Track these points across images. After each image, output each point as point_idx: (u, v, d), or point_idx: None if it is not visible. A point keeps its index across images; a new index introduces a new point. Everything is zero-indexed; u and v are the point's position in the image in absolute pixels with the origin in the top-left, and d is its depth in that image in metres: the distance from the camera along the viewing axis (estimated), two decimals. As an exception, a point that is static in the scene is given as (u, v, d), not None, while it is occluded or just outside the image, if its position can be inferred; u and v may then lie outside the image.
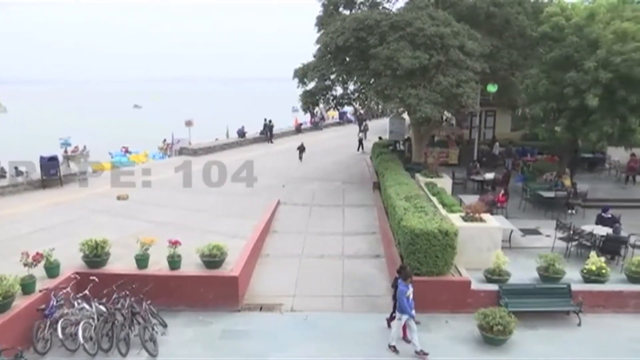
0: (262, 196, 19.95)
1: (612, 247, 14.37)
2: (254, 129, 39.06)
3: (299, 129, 42.93)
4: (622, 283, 12.42)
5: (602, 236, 14.63)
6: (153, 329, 10.20)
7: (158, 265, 12.11)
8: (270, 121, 37.23)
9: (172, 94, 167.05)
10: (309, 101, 21.68)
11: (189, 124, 34.64)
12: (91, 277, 10.87)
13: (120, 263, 12.32)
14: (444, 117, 28.79)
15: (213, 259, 12.00)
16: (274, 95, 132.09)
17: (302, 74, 21.48)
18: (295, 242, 15.71)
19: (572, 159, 24.06)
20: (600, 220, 16.28)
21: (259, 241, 14.68)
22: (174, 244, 11.98)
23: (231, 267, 12.15)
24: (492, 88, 22.42)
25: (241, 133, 36.56)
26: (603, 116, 18.85)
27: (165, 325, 10.81)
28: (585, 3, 24.45)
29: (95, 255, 11.83)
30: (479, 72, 19.40)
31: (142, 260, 11.98)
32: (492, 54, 21.13)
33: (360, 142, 32.98)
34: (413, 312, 9.88)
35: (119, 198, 19.17)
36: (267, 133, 37.24)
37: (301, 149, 28.52)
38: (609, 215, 16.31)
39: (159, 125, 52.14)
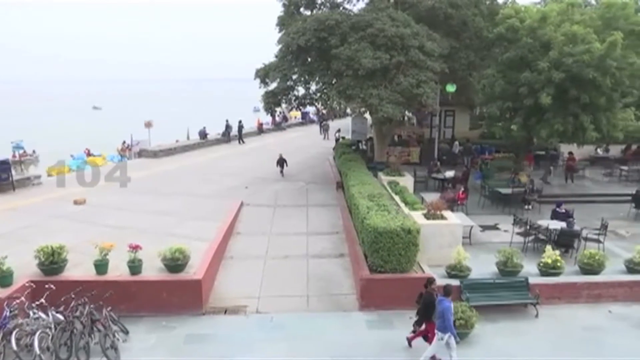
0: (225, 198, 19.73)
1: (566, 241, 14.97)
2: (215, 130, 38.62)
3: (261, 130, 42.72)
4: (575, 275, 12.94)
5: (556, 230, 15.22)
6: (114, 336, 9.92)
7: (118, 271, 11.80)
8: (240, 121, 37.32)
9: (132, 95, 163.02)
10: (271, 101, 21.61)
11: (148, 125, 33.87)
12: (47, 285, 10.45)
13: (78, 270, 11.94)
14: (405, 117, 29.21)
15: (175, 263, 11.78)
16: (235, 95, 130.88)
17: (263, 75, 21.40)
18: (259, 243, 15.61)
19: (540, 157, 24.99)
20: (555, 215, 16.91)
21: (222, 243, 14.51)
22: (135, 248, 11.69)
23: (194, 270, 11.96)
24: (450, 88, 22.93)
25: (203, 134, 36.05)
26: (556, 115, 19.63)
27: (127, 332, 10.54)
28: (537, 6, 25.41)
29: (52, 262, 11.41)
30: (438, 72, 19.79)
31: (101, 266, 11.64)
32: (450, 54, 21.61)
33: (337, 140, 33.13)
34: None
35: (76, 202, 18.55)
36: (229, 134, 36.95)
37: (281, 162, 24.32)
38: (563, 210, 16.96)
39: (118, 127, 50.82)
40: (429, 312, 9.79)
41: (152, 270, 11.89)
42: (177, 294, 11.50)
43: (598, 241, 15.19)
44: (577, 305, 12.21)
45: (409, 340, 10.30)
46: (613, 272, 13.04)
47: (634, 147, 29.01)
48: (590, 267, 12.90)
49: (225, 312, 11.72)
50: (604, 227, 15.65)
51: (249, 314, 11.61)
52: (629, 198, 20.51)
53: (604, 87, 19.02)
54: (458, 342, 9.37)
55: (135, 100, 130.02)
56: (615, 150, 28.98)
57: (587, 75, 18.50)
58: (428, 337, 9.90)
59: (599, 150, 29.11)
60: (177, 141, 35.31)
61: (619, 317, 11.75)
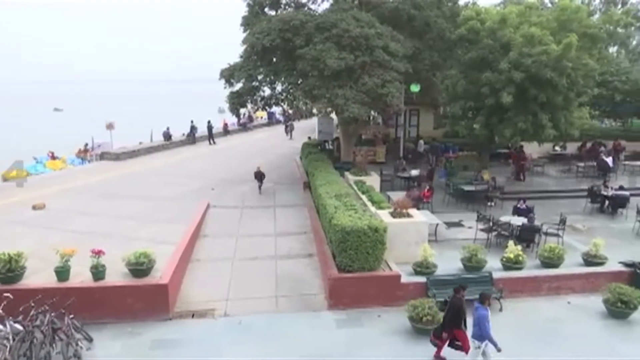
0: (190, 200, 19.44)
1: (527, 236, 15.44)
2: (180, 132, 38.01)
3: (227, 131, 42.30)
4: (536, 269, 13.38)
5: (518, 226, 15.69)
6: (77, 345, 9.64)
7: (81, 277, 11.46)
8: (209, 122, 37.09)
9: (93, 96, 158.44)
10: (237, 102, 21.44)
11: (110, 127, 32.96)
12: (5, 294, 10.03)
13: (38, 277, 11.52)
14: (371, 117, 29.48)
15: (140, 267, 11.54)
16: (199, 96, 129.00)
17: (228, 75, 21.20)
18: (226, 245, 15.46)
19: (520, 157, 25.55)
20: (517, 211, 17.42)
21: (188, 246, 14.29)
22: (97, 253, 11.38)
23: (160, 274, 11.74)
24: (415, 88, 23.28)
25: (167, 136, 35.40)
26: (517, 113, 20.24)
27: (90, 340, 10.25)
28: (497, 8, 26.10)
29: (9, 270, 10.98)
30: (402, 72, 20.05)
31: (62, 273, 11.28)
32: (414, 55, 21.93)
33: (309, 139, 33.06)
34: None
35: (34, 207, 17.91)
36: (194, 135, 36.48)
37: (259, 176, 21.23)
38: (524, 206, 17.48)
39: (79, 129, 49.26)
40: (458, 318, 9.57)
41: (117, 276, 11.61)
42: (142, 299, 11.27)
43: (557, 235, 15.73)
44: (539, 297, 12.61)
45: (439, 347, 9.89)
46: (571, 265, 13.56)
47: (588, 144, 30.13)
48: (550, 261, 13.35)
49: (193, 316, 11.56)
50: (563, 221, 16.22)
51: (217, 317, 11.48)
52: (585, 193, 21.33)
53: (560, 87, 19.73)
54: (500, 351, 9.07)
55: (97, 101, 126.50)
56: (572, 148, 30.05)
57: (545, 75, 19.16)
58: (457, 345, 9.69)
59: (556, 147, 30.11)
60: (140, 143, 34.58)
61: (577, 307, 12.20)
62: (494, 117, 21.20)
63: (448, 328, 9.66)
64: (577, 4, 23.34)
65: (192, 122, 36.85)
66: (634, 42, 51.22)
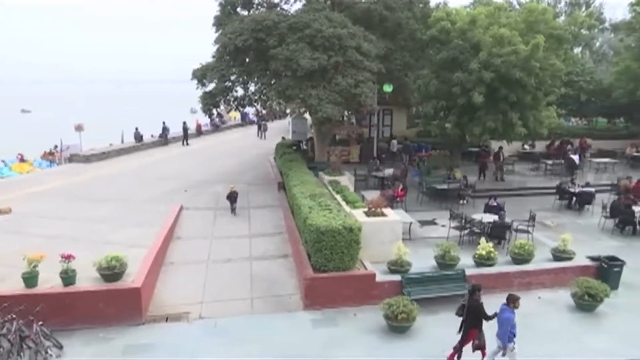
0: (163, 202, 19.17)
1: (498, 233, 15.74)
2: (152, 133, 37.43)
3: (199, 131, 41.88)
4: (507, 265, 13.63)
5: (489, 223, 15.99)
6: (47, 352, 9.39)
7: (50, 283, 11.17)
8: (184, 123, 36.77)
9: (61, 97, 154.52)
10: (209, 102, 21.23)
11: (79, 128, 32.22)
12: (-31, 302, 9.76)
13: (4, 284, 11.19)
14: (345, 117, 29.62)
15: (112, 271, 11.31)
16: (170, 97, 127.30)
17: (201, 75, 20.98)
18: (200, 248, 15.29)
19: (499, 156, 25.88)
20: (488, 209, 17.75)
21: (161, 249, 14.09)
22: (67, 258, 11.10)
23: (132, 278, 11.54)
24: (387, 88, 23.48)
25: (138, 137, 34.81)
26: (487, 112, 20.64)
27: (60, 347, 10.00)
28: (467, 9, 26.56)
29: (-27, 277, 10.64)
30: (375, 72, 20.19)
31: (30, 279, 10.96)
32: (386, 55, 22.11)
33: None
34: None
35: (0, 212, 17.39)
36: (166, 136, 36.01)
37: (232, 197, 18.48)
38: (495, 204, 17.83)
39: (46, 131, 47.99)
40: (477, 319, 9.45)
41: (87, 281, 11.35)
42: (114, 304, 11.05)
43: (527, 232, 16.08)
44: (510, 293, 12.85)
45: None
46: (541, 261, 13.86)
47: (556, 142, 30.92)
48: (521, 257, 13.63)
49: (167, 319, 11.40)
50: (532, 218, 16.59)
51: (192, 320, 11.35)
52: (554, 190, 21.88)
53: (529, 87, 20.21)
54: (504, 355, 9.12)
55: (66, 103, 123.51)
56: (541, 146, 30.78)
57: (514, 75, 19.59)
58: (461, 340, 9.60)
59: (526, 146, 30.80)
60: (110, 144, 33.89)
61: (547, 302, 12.50)
62: (465, 117, 21.56)
63: (468, 327, 9.53)
64: (543, 6, 23.98)
65: (164, 123, 36.38)
66: (598, 44, 52.85)
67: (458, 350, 9.61)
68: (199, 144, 36.79)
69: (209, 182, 23.19)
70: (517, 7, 41.69)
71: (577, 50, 46.92)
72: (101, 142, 34.30)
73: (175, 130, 38.62)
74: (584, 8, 50.69)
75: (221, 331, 10.89)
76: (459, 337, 9.55)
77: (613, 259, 13.37)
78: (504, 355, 9.19)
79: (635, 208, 18.10)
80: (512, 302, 9.14)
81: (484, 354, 9.61)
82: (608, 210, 18.40)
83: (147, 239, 14.36)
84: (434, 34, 22.07)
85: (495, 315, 9.29)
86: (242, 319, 11.44)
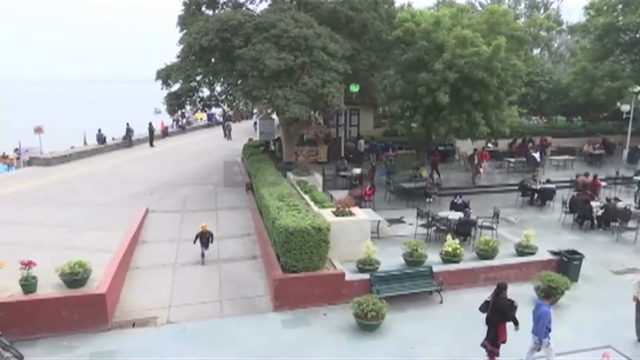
0: (128, 205, 18.76)
1: (464, 230, 16.08)
2: (115, 134, 36.56)
3: (165, 133, 41.16)
4: (473, 261, 13.95)
5: (455, 220, 16.30)
6: (6, 363, 9.07)
7: (8, 292, 10.76)
8: (150, 124, 36.10)
9: (17, 98, 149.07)
10: (175, 103, 20.90)
11: (38, 130, 31.16)
12: None
13: (-40, 293, 10.75)
14: (312, 117, 29.64)
15: (75, 277, 11.00)
16: (133, 98, 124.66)
17: (165, 75, 20.63)
18: (167, 251, 15.04)
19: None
20: (453, 206, 18.08)
21: (127, 253, 13.79)
22: (28, 264, 10.72)
23: (97, 284, 11.25)
24: (354, 88, 23.62)
25: (101, 139, 33.91)
26: (452, 112, 21.04)
27: (20, 358, 9.64)
28: (431, 11, 27.01)
29: None
30: (342, 72, 20.27)
31: (-13, 287, 10.57)
32: (353, 55, 22.23)
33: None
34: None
35: (-47, 218, 16.65)
36: (130, 138, 35.23)
37: (205, 239, 14.38)
38: (460, 201, 18.19)
39: (3, 133, 46.30)
40: (503, 316, 9.55)
41: (50, 288, 11.01)
42: (78, 311, 10.74)
43: (491, 228, 16.48)
44: (476, 288, 13.12)
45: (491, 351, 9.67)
46: (505, 256, 14.25)
47: (518, 141, 31.76)
48: (486, 253, 13.97)
49: (134, 325, 11.16)
50: (496, 215, 17.02)
51: (160, 325, 11.16)
52: (516, 187, 22.50)
53: (491, 86, 20.71)
54: (539, 350, 9.25)
55: (23, 103, 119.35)
56: (503, 144, 31.57)
57: (477, 75, 20.04)
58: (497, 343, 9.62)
59: (489, 144, 31.51)
60: (72, 147, 32.90)
61: (512, 296, 12.72)
62: (431, 116, 21.92)
63: (496, 327, 9.59)
64: (504, 8, 24.61)
65: (127, 124, 35.55)
66: (556, 45, 54.67)
67: (496, 351, 9.65)
68: (165, 146, 36.14)
69: (175, 184, 22.83)
70: (480, 9, 42.69)
71: (537, 51, 48.42)
72: (62, 144, 33.33)
73: (140, 131, 37.86)
74: (542, 10, 52.37)
75: (190, 335, 10.74)
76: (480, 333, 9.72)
77: (573, 252, 13.86)
78: (538, 350, 9.28)
79: (593, 203, 18.80)
80: (549, 296, 9.32)
81: (493, 357, 9.74)
82: (568, 205, 19.05)
83: (111, 243, 14.03)
84: (399, 35, 22.34)
85: (514, 318, 9.43)
86: (211, 322, 11.32)
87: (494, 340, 9.61)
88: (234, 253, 15.06)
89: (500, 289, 9.77)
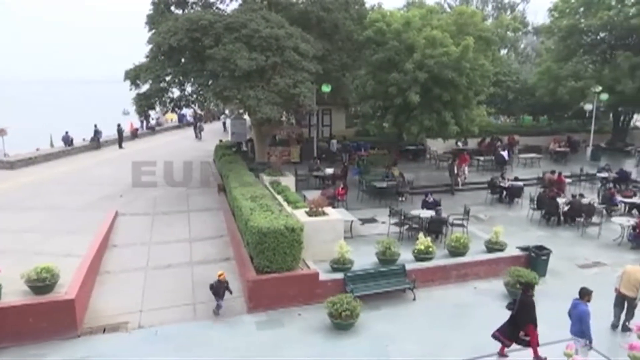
0: (97, 208, 18.34)
1: (435, 228, 16.31)
2: (82, 136, 35.66)
3: (135, 134, 40.40)
4: (445, 258, 14.16)
5: (427, 218, 16.53)
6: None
7: (-28, 299, 10.41)
8: (119, 125, 35.38)
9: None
10: (144, 104, 20.53)
11: (1, 132, 30.18)
12: None
13: None
14: (284, 117, 29.58)
15: (42, 283, 10.70)
16: (100, 99, 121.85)
17: (134, 76, 20.25)
18: (138, 255, 14.78)
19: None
20: (425, 205, 18.33)
21: (96, 258, 13.49)
22: (-9, 271, 10.40)
23: (65, 289, 10.97)
24: (326, 88, 23.69)
25: (68, 141, 33.05)
26: (422, 112, 21.32)
27: (-15, 367, 9.36)
28: (401, 11, 27.31)
29: None
30: (313, 72, 20.29)
31: (-51, 296, 10.18)
32: (324, 56, 22.29)
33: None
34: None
35: None
36: (98, 140, 34.45)
37: (220, 289, 11.65)
38: (432, 200, 18.44)
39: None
40: (530, 315, 9.61)
41: (15, 295, 10.67)
42: (46, 318, 10.45)
43: (462, 226, 16.77)
44: (448, 285, 13.39)
45: (538, 356, 9.62)
46: (476, 253, 14.51)
47: (487, 139, 32.41)
48: (457, 250, 14.21)
49: (104, 331, 10.94)
50: (467, 212, 17.33)
51: (131, 330, 10.96)
52: (485, 185, 22.94)
53: (461, 86, 21.08)
54: (590, 349, 9.07)
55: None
56: (472, 143, 32.16)
57: (446, 75, 20.37)
58: (525, 340, 9.63)
59: (459, 143, 32.05)
60: (37, 149, 31.96)
61: (482, 292, 13.11)
62: (402, 116, 22.17)
63: (524, 326, 9.61)
64: (472, 9, 25.08)
65: (95, 126, 34.74)
66: (522, 46, 56.02)
67: (536, 347, 9.66)
68: (135, 147, 35.43)
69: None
70: (448, 10, 43.37)
71: (504, 51, 49.50)
72: (27, 147, 32.31)
73: (109, 133, 37.05)
74: (509, 12, 53.56)
75: (162, 339, 10.59)
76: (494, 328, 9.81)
77: (541, 248, 14.22)
78: (590, 349, 9.12)
79: (559, 200, 19.34)
80: (585, 295, 9.26)
81: (503, 349, 9.86)
82: (535, 202, 19.53)
83: (80, 247, 13.68)
84: (370, 35, 22.52)
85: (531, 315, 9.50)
86: (184, 325, 11.18)
87: (512, 336, 9.73)
88: (206, 255, 14.90)
89: (527, 287, 9.91)
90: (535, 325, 9.63)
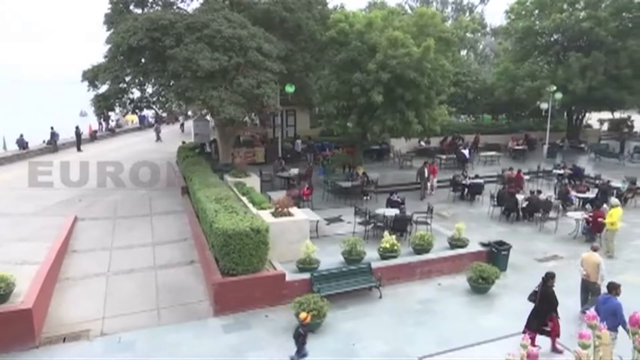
0: (55, 214, 17.75)
1: (400, 226, 16.55)
2: (38, 139, 34.40)
3: (94, 137, 39.31)
4: (410, 255, 14.38)
5: (391, 217, 16.75)
6: None
7: None
8: (77, 127, 34.43)
9: None
10: (103, 105, 20.02)
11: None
12: None
13: None
14: (248, 118, 29.36)
15: (-4, 293, 10.27)
16: (55, 99, 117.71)
17: (92, 76, 19.71)
18: (99, 260, 14.38)
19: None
20: (389, 203, 18.57)
21: (55, 264, 13.02)
22: (-60, 282, 9.90)
23: (22, 298, 10.55)
24: (289, 88, 23.65)
25: (22, 144, 31.80)
26: (386, 111, 21.58)
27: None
28: (363, 12, 27.57)
29: None
30: (277, 73, 20.20)
31: None
32: (287, 56, 22.22)
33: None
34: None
35: None
36: (55, 142, 33.33)
37: (302, 337, 9.81)
38: (396, 198, 18.69)
39: None
40: (552, 305, 9.70)
41: (-33, 305, 10.21)
42: (1, 329, 10.00)
43: (426, 223, 17.07)
44: (413, 282, 13.59)
45: (556, 346, 9.82)
46: (440, 250, 14.81)
47: (449, 138, 33.12)
48: (421, 247, 14.46)
49: (64, 340, 10.57)
50: (430, 210, 17.65)
51: (93, 338, 10.64)
52: (448, 183, 23.43)
53: (422, 86, 21.44)
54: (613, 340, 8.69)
55: None
56: (435, 142, 32.80)
57: (408, 75, 20.68)
58: (546, 330, 9.69)
59: (422, 142, 32.64)
60: (-11, 153, 30.68)
61: (446, 288, 13.38)
62: (366, 116, 22.39)
63: (549, 316, 9.70)
64: (432, 10, 25.55)
65: (52, 128, 33.58)
66: (481, 46, 57.47)
67: (555, 337, 9.80)
68: (94, 150, 34.47)
69: (105, 190, 21.86)
70: (409, 11, 44.04)
71: (464, 52, 50.67)
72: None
73: (66, 135, 35.90)
74: (468, 13, 54.86)
75: (126, 346, 10.34)
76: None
77: (501, 243, 14.62)
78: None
79: (518, 196, 19.95)
80: (614, 289, 9.22)
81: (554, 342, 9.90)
82: (495, 199, 20.08)
83: (37, 254, 13.19)
84: (333, 36, 22.64)
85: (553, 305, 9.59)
86: (148, 331, 10.94)
87: (537, 327, 9.79)
88: (170, 259, 14.64)
89: (548, 278, 10.00)
90: (557, 315, 9.79)
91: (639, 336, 3.73)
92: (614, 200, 17.20)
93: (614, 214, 15.78)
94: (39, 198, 20.01)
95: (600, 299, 9.44)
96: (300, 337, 9.65)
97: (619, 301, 9.00)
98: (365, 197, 21.84)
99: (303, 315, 9.94)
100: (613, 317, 8.64)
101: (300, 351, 9.70)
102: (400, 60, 20.65)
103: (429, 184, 23.46)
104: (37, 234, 15.38)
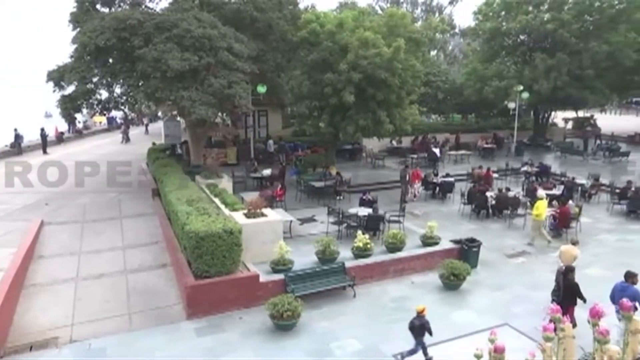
0: (20, 218, 17.24)
1: (373, 225, 16.67)
2: (1, 141, 33.32)
3: (60, 139, 38.28)
4: (383, 254, 14.52)
5: (364, 216, 16.86)
6: None
7: None
8: (43, 129, 33.43)
9: None
10: (69, 106, 19.51)
11: None
12: None
13: None
14: (220, 118, 29.10)
15: (-42, 301, 9.92)
16: (19, 101, 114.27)
17: (58, 77, 19.20)
18: (67, 265, 14.01)
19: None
20: (362, 203, 18.69)
21: (20, 271, 12.63)
22: None
23: (-15, 306, 10.22)
24: (261, 89, 23.58)
25: (-17, 147, 30.79)
26: (358, 111, 21.70)
27: None
28: (334, 13, 27.67)
29: None
30: (248, 73, 20.08)
31: None
32: (259, 56, 22.13)
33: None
34: None
35: None
36: (19, 145, 32.32)
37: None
38: (369, 198, 18.83)
39: None
40: (573, 298, 9.84)
41: None
42: (-37, 338, 9.71)
43: (398, 222, 17.23)
44: (386, 280, 13.71)
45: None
46: (412, 248, 15.00)
47: (420, 137, 33.54)
48: (394, 246, 14.62)
49: (31, 348, 10.27)
50: (402, 209, 17.85)
51: (61, 346, 10.36)
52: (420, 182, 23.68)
53: (393, 86, 21.63)
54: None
55: None
56: (406, 142, 33.17)
57: (379, 75, 20.83)
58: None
59: (393, 142, 32.95)
60: (-52, 157, 29.54)
61: (419, 285, 13.55)
62: (338, 116, 22.46)
63: (566, 306, 9.63)
64: (402, 11, 25.84)
65: (15, 130, 32.54)
66: (450, 47, 58.42)
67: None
68: (61, 152, 33.54)
69: (73, 193, 21.31)
70: (380, 12, 44.43)
71: (433, 53, 51.44)
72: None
73: (31, 137, 34.85)
74: (437, 14, 55.66)
75: (96, 353, 10.11)
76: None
77: (472, 240, 14.89)
78: None
79: (488, 194, 20.35)
80: (631, 277, 9.38)
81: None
82: (466, 197, 20.44)
83: (1, 261, 12.80)
84: (305, 36, 22.64)
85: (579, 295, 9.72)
86: (119, 337, 10.73)
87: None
88: (141, 262, 14.39)
89: (568, 271, 10.14)
90: (574, 306, 9.91)
91: (598, 327, 3.86)
92: (540, 192, 18.10)
93: (540, 206, 16.68)
94: (4, 202, 19.40)
95: (617, 287, 9.61)
96: (415, 329, 9.70)
97: (637, 290, 9.27)
98: (338, 197, 21.92)
99: (420, 307, 9.89)
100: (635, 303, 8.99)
101: (419, 344, 9.68)
102: (371, 61, 20.79)
103: (411, 190, 22.74)
104: (1, 239, 14.90)
